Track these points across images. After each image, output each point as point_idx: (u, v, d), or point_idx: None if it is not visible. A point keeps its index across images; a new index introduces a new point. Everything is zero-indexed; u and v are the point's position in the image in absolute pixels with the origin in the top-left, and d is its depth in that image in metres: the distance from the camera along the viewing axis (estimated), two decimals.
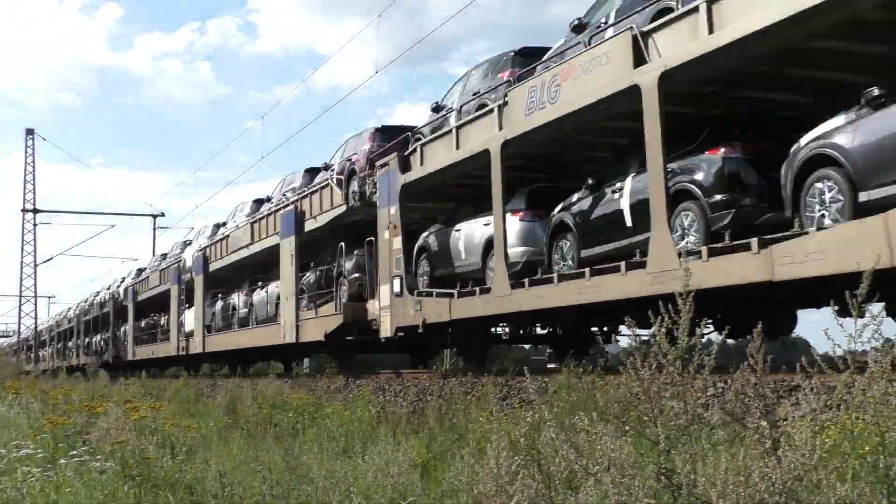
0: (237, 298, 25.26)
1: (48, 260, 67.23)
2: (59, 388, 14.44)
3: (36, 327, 54.90)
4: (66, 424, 7.79)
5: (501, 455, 3.08)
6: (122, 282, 39.99)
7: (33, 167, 52.92)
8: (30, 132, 53.63)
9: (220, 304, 26.57)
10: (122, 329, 36.77)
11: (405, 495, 5.10)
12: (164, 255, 35.39)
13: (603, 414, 6.49)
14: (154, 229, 54.94)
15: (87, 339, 41.49)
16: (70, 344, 44.52)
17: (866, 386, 2.75)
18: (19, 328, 59.04)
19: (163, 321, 32.58)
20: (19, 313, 56.02)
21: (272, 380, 16.85)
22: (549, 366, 15.83)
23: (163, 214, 57.26)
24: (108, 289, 41.89)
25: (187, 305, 28.44)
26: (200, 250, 27.46)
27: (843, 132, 7.46)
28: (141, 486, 5.37)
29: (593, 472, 2.66)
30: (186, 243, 31.44)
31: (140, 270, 38.36)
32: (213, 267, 26.42)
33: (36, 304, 55.08)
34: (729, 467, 2.51)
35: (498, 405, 9.73)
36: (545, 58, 12.22)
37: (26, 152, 52.83)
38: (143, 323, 35.86)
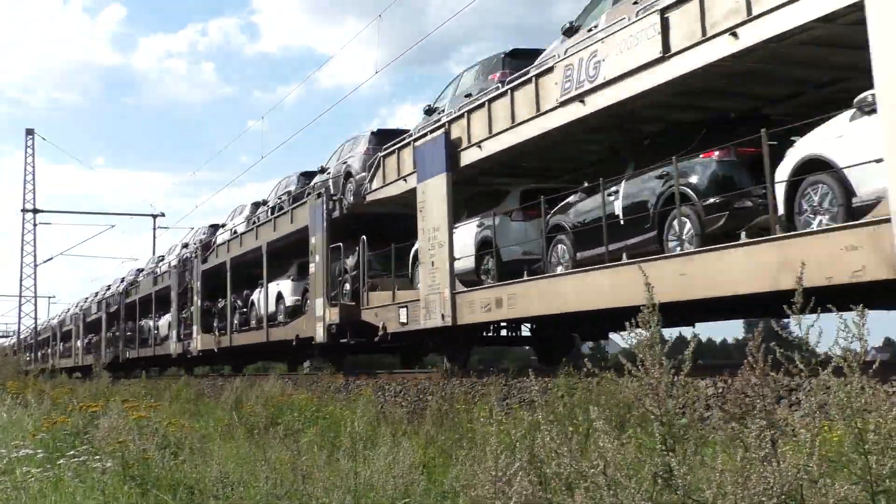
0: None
1: (48, 260, 67.59)
2: (61, 388, 14.44)
3: (36, 327, 54.90)
4: (66, 424, 7.77)
5: (499, 457, 3.08)
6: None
7: (33, 167, 53.07)
8: (30, 132, 53.76)
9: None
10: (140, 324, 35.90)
11: (408, 495, 5.08)
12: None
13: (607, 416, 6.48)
14: (154, 229, 55.11)
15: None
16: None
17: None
18: (19, 328, 59.10)
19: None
20: (19, 313, 56.12)
21: (273, 380, 16.83)
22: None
23: (163, 214, 57.47)
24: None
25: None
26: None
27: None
28: (141, 486, 5.35)
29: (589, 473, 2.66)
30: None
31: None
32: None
33: (36, 305, 55.25)
34: (726, 468, 2.51)
35: (498, 405, 9.73)
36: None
37: (26, 152, 52.97)
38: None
